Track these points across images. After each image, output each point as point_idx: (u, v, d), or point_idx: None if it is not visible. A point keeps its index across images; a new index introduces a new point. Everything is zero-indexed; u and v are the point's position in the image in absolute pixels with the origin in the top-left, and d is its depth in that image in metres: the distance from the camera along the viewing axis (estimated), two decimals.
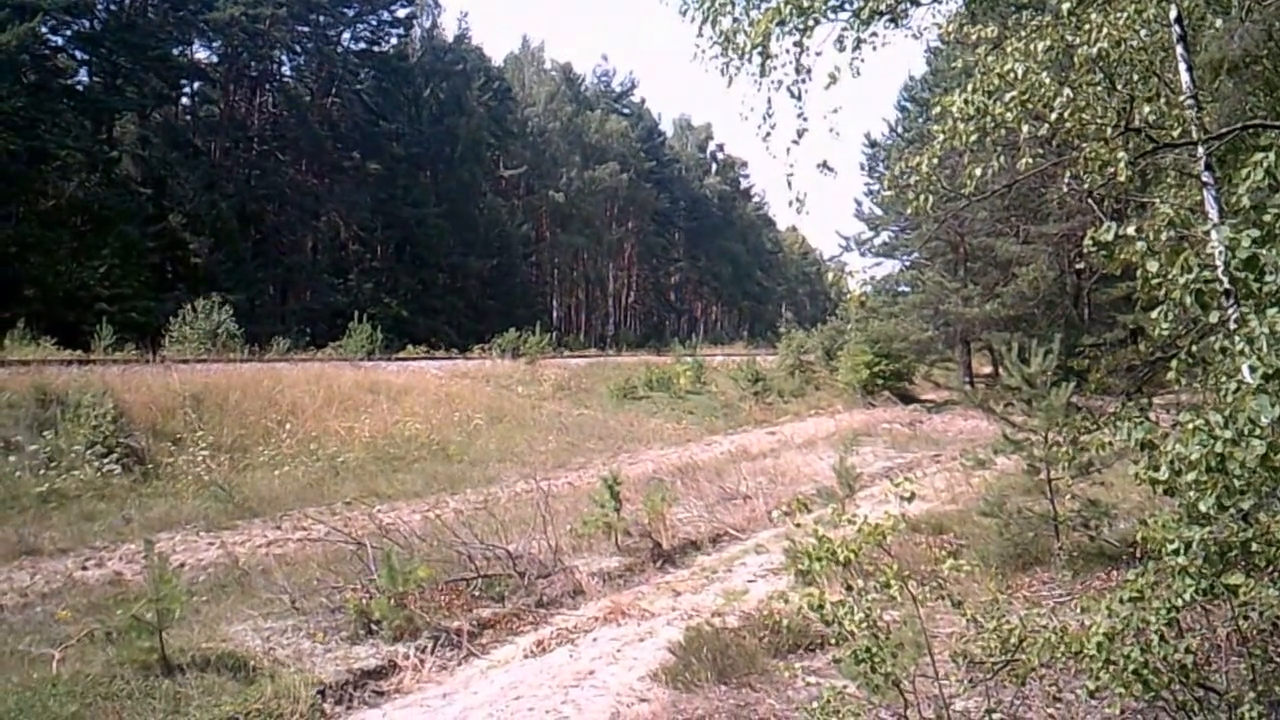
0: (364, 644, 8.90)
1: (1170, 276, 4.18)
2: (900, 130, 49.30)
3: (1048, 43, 6.10)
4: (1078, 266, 27.43)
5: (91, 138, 43.81)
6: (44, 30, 41.59)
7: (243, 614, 9.44)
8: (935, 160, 6.44)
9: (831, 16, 6.78)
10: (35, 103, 39.32)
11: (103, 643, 8.15)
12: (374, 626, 9.09)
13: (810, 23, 6.70)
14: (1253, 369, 3.94)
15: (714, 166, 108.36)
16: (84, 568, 11.54)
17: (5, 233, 36.44)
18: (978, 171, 6.36)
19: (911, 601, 5.55)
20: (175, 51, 51.42)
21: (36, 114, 39.12)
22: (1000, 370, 13.81)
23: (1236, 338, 4.07)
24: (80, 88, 46.47)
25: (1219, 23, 7.78)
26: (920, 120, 42.33)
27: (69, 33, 46.01)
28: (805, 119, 6.92)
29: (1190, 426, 3.94)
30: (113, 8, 48.34)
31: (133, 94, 48.18)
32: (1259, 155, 4.12)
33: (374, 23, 62.22)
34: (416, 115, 62.62)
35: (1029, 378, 10.87)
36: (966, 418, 31.31)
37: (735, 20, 6.89)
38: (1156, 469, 4.11)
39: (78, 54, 47.18)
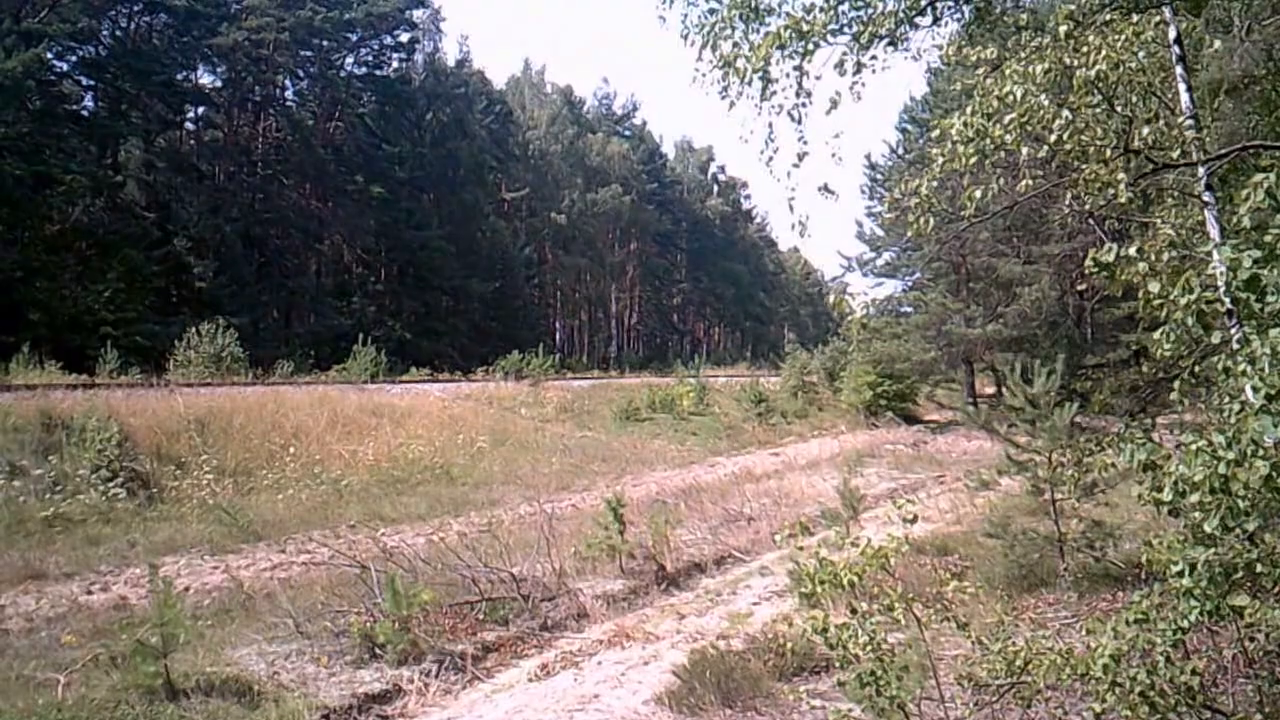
0: (368, 668, 8.87)
1: (1172, 297, 4.19)
2: (901, 151, 49.37)
3: (1046, 65, 6.13)
4: (1080, 287, 27.41)
5: (96, 163, 44.07)
6: (49, 56, 41.94)
7: (247, 638, 9.42)
8: (935, 182, 6.45)
9: (831, 40, 6.81)
10: (40, 128, 39.53)
11: (107, 667, 8.12)
12: (378, 650, 9.07)
13: (810, 47, 6.73)
14: (1255, 389, 3.95)
15: (715, 188, 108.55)
16: (89, 592, 11.53)
17: (11, 258, 36.55)
18: (978, 193, 6.37)
19: (916, 624, 5.55)
20: (179, 76, 51.75)
21: (42, 139, 39.31)
22: (1003, 391, 13.81)
23: (1239, 358, 4.08)
24: (85, 113, 46.83)
25: (1218, 44, 7.83)
26: (920, 141, 42.38)
27: (74, 59, 46.49)
28: (806, 142, 6.94)
29: (1193, 447, 3.95)
30: (117, 34, 48.82)
31: (137, 119, 48.52)
32: (1259, 176, 4.14)
33: (376, 47, 62.69)
34: (419, 139, 62.88)
35: (1032, 398, 10.87)
36: (970, 438, 31.22)
37: (735, 45, 6.92)
38: (1160, 490, 4.12)
39: (83, 80, 47.62)
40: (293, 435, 20.46)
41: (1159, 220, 7.53)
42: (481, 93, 73.58)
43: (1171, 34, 6.34)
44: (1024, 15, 6.90)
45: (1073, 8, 6.33)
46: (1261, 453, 3.73)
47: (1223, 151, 6.77)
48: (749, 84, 6.80)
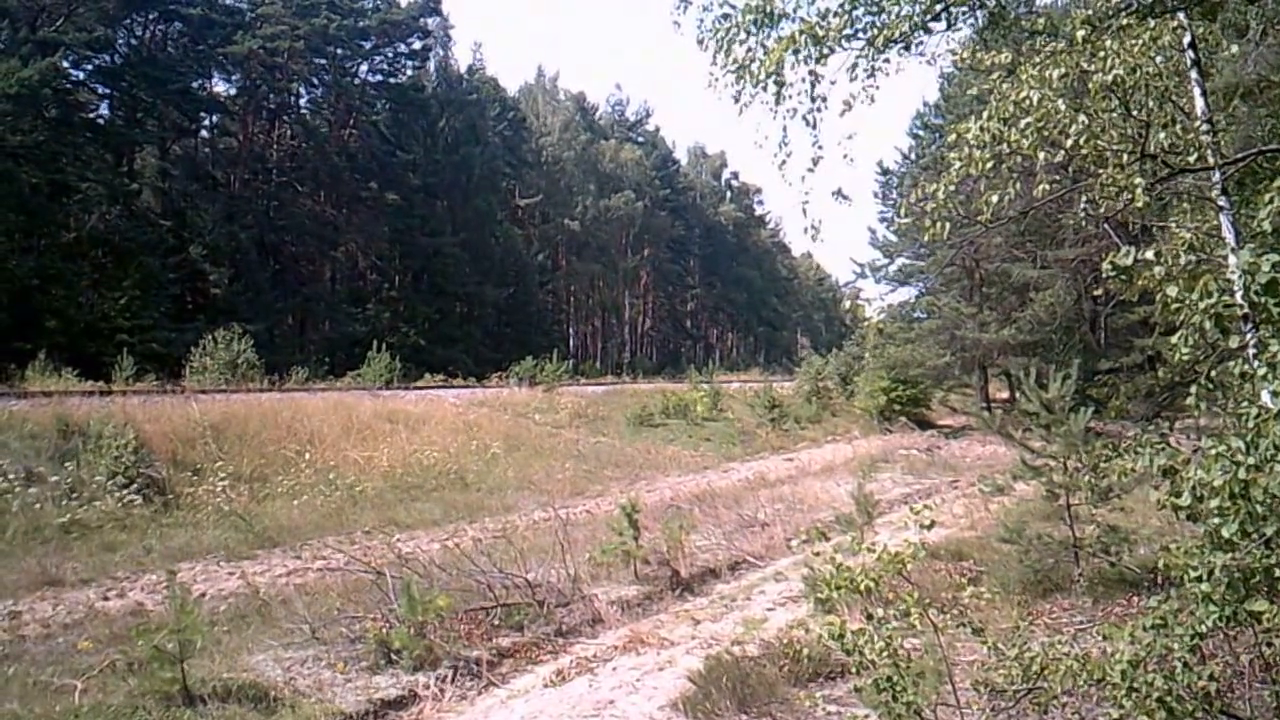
0: (384, 674, 8.90)
1: (1189, 301, 4.18)
2: (913, 157, 49.32)
3: (1062, 70, 6.12)
4: (1095, 292, 27.31)
5: (112, 171, 44.26)
6: (65, 65, 42.15)
7: (263, 644, 9.45)
8: (952, 187, 6.45)
9: (845, 45, 6.81)
10: (57, 137, 39.68)
11: (124, 673, 8.16)
12: (394, 656, 9.09)
13: (825, 51, 6.72)
14: (1274, 394, 3.94)
15: (728, 194, 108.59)
16: (105, 598, 11.56)
17: (27, 265, 36.72)
18: (994, 198, 6.37)
19: (932, 629, 5.55)
20: (195, 85, 52.08)
21: (58, 148, 39.46)
22: (1017, 396, 13.76)
23: (1257, 363, 4.07)
24: (101, 121, 47.09)
25: (1233, 48, 7.81)
26: (933, 147, 42.35)
27: (90, 67, 46.79)
28: (820, 147, 6.94)
29: (1212, 452, 3.94)
30: (133, 42, 49.12)
31: (153, 127, 48.85)
32: None
33: (390, 54, 62.82)
34: (433, 145, 62.98)
35: (1047, 403, 10.84)
36: (984, 443, 31.21)
37: (749, 49, 6.92)
38: (1178, 495, 4.11)
39: (99, 88, 47.90)
40: (308, 441, 20.50)
41: (1174, 224, 7.52)
42: (495, 100, 73.84)
43: (1186, 39, 6.33)
44: (1039, 20, 6.88)
45: (1089, 12, 6.33)
46: None
47: (1238, 155, 6.76)
48: (763, 89, 6.80)
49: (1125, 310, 30.50)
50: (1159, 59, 6.26)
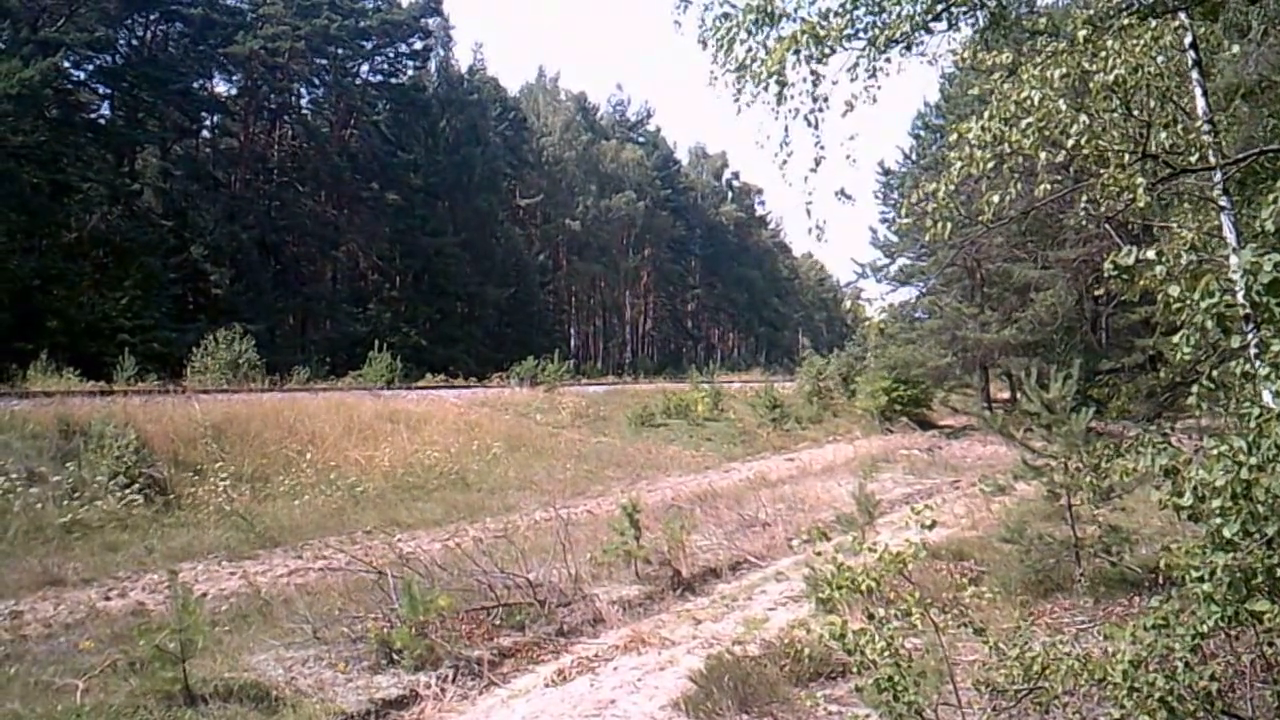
0: (385, 673, 8.89)
1: (1191, 301, 4.18)
2: (915, 157, 49.34)
3: (1063, 70, 6.12)
4: (1096, 292, 27.26)
5: (113, 171, 44.28)
6: (67, 65, 42.19)
7: (265, 644, 9.44)
8: (952, 187, 6.45)
9: (846, 45, 6.81)
10: (58, 137, 39.69)
11: (126, 673, 8.16)
12: (395, 656, 9.08)
13: (826, 51, 6.72)
14: (1276, 394, 3.94)
15: (729, 194, 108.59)
16: (107, 598, 11.56)
17: (29, 265, 36.72)
18: (995, 198, 6.37)
19: (933, 629, 5.55)
20: (196, 85, 52.09)
21: (59, 148, 39.49)
22: (1019, 396, 13.76)
23: (1259, 363, 4.07)
24: (102, 121, 47.11)
25: (1235, 48, 7.81)
26: (934, 146, 42.39)
27: (91, 67, 46.85)
28: (822, 147, 6.93)
29: (1214, 453, 3.94)
30: (134, 43, 49.13)
31: (154, 127, 48.81)
32: None
33: (391, 55, 62.82)
34: (434, 146, 62.96)
35: (1048, 403, 10.84)
36: (985, 443, 31.20)
37: (750, 49, 6.92)
38: (1180, 495, 4.11)
39: (100, 88, 47.92)
40: (309, 441, 20.49)
41: (1176, 224, 7.52)
42: (495, 100, 73.89)
43: (1188, 39, 6.33)
44: (1040, 20, 6.89)
45: (1090, 12, 6.33)
46: None
47: (1239, 156, 6.76)
48: (765, 88, 6.80)
49: (1127, 310, 30.51)
50: (1160, 59, 6.25)
